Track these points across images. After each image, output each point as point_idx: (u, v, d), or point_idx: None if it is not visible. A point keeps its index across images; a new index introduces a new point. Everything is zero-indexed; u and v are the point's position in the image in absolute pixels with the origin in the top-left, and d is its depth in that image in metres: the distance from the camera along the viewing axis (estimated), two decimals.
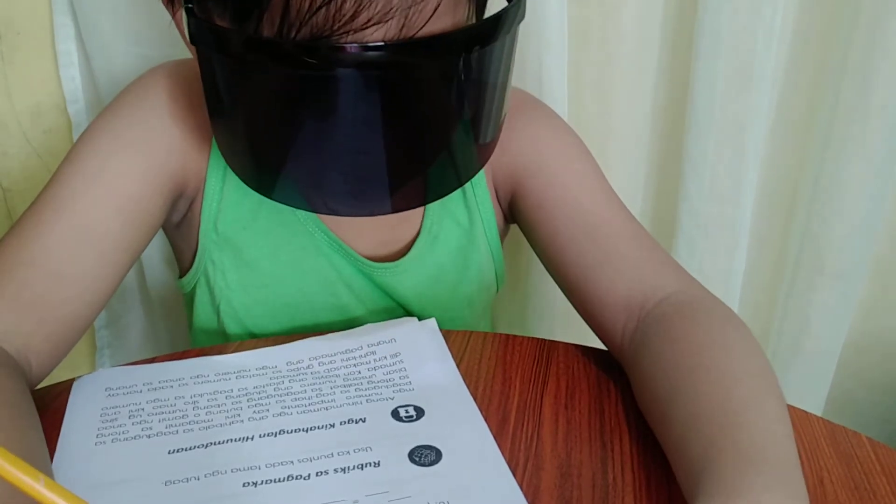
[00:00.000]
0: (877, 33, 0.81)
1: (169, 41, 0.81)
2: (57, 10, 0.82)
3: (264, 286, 0.67)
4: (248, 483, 0.47)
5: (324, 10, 0.46)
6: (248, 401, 0.54)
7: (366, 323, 0.68)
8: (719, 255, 0.94)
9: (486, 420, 0.53)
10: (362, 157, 0.51)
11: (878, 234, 0.94)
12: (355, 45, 0.46)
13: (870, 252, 0.95)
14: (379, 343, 0.60)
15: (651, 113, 0.92)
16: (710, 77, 0.84)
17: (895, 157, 0.88)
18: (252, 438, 0.51)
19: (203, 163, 0.63)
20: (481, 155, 0.58)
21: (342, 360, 0.59)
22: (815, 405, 1.02)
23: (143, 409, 0.54)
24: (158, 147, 0.60)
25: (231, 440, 0.51)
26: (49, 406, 0.54)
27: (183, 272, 0.70)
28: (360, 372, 0.57)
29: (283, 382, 0.56)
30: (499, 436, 0.52)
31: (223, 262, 0.66)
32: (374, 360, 0.58)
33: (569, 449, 0.52)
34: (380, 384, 0.56)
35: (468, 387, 0.56)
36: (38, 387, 0.55)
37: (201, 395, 0.55)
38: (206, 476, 0.48)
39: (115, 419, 0.53)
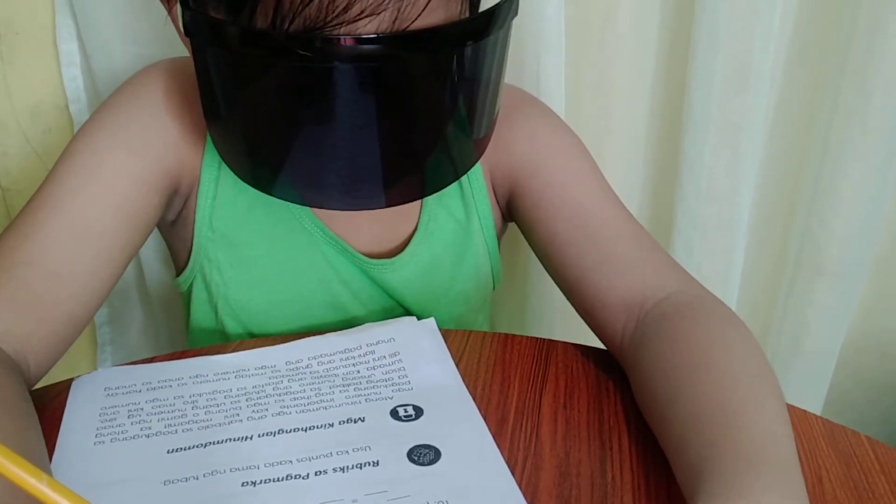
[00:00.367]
0: (876, 34, 0.81)
1: (168, 41, 0.81)
2: (58, 10, 0.82)
3: (260, 283, 0.67)
4: (247, 482, 0.47)
5: (317, 1, 0.46)
6: (246, 400, 0.54)
7: (363, 319, 0.68)
8: (717, 256, 0.94)
9: (484, 419, 0.53)
10: (355, 151, 0.51)
11: (877, 235, 0.94)
12: (347, 36, 0.46)
13: (869, 252, 0.95)
14: (378, 342, 0.60)
15: (649, 113, 0.92)
16: (708, 77, 0.84)
17: (894, 157, 0.88)
18: (251, 438, 0.51)
19: (197, 160, 0.63)
20: (475, 150, 0.58)
21: (341, 359, 0.59)
22: (814, 405, 1.02)
23: (142, 409, 0.54)
24: (153, 144, 0.60)
25: (230, 440, 0.51)
26: (48, 406, 0.54)
27: (179, 270, 0.70)
28: (358, 371, 0.57)
29: (281, 382, 0.56)
30: (498, 435, 0.52)
31: (219, 259, 0.66)
32: (373, 360, 0.58)
33: (567, 448, 0.52)
34: (379, 383, 0.56)
35: (467, 386, 0.56)
36: (37, 386, 0.55)
37: (200, 395, 0.55)
38: (204, 476, 0.48)
39: (114, 419, 0.53)
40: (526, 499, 0.47)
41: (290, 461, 0.49)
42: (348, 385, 0.56)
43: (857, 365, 1.05)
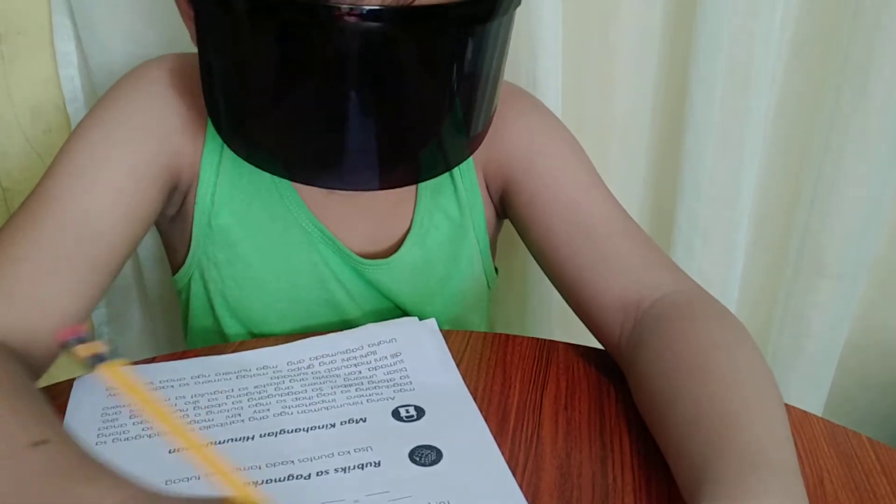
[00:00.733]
0: (876, 34, 0.81)
1: (167, 41, 0.81)
2: (56, 9, 0.82)
3: (257, 281, 0.67)
4: (249, 483, 0.47)
5: None
6: (248, 400, 0.55)
7: (358, 319, 0.68)
8: (718, 256, 0.94)
9: (486, 420, 0.53)
10: (349, 125, 0.51)
11: (877, 235, 0.94)
12: (351, 6, 0.45)
13: (869, 253, 0.95)
14: (379, 343, 0.60)
15: (650, 113, 0.92)
16: (708, 78, 0.84)
17: (895, 157, 0.88)
18: (252, 438, 0.51)
19: (197, 156, 0.63)
20: (470, 140, 0.57)
21: (343, 359, 0.59)
22: (815, 405, 1.02)
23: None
24: (151, 138, 0.60)
25: (232, 440, 0.51)
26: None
27: (176, 268, 0.70)
28: (360, 372, 0.58)
29: (283, 382, 0.56)
30: (499, 436, 0.52)
31: (216, 255, 0.66)
32: (375, 360, 0.59)
33: (569, 449, 0.52)
34: (380, 384, 0.56)
35: (468, 387, 0.57)
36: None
37: (202, 395, 0.55)
38: (206, 475, 0.47)
39: (116, 419, 0.53)
40: (527, 499, 0.47)
41: (292, 461, 0.49)
42: (350, 385, 0.56)
43: (857, 365, 1.05)
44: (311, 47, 0.48)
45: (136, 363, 0.59)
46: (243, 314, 0.68)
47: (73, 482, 0.39)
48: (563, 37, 0.86)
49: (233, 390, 0.56)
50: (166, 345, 1.01)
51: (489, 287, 0.76)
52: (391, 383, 0.56)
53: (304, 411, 0.53)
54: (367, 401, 0.54)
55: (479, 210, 0.70)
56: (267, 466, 0.48)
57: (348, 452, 0.50)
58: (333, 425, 0.52)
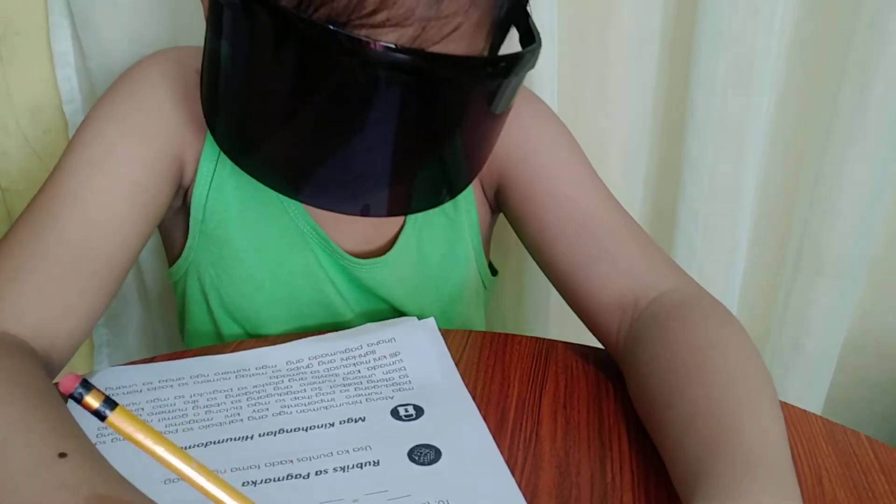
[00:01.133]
0: (876, 33, 0.81)
1: (167, 41, 0.81)
2: (53, 9, 0.82)
3: (251, 279, 0.66)
4: (248, 482, 0.47)
5: None
6: (247, 400, 0.55)
7: (352, 320, 0.68)
8: (719, 255, 0.94)
9: (484, 419, 0.53)
10: (342, 151, 0.51)
11: (877, 234, 0.94)
12: (370, 40, 0.45)
13: (869, 252, 0.95)
14: (378, 342, 0.60)
15: (651, 113, 0.93)
16: (709, 76, 0.84)
17: (894, 157, 0.88)
18: (251, 437, 0.51)
19: (197, 152, 0.63)
20: (458, 180, 0.57)
21: (342, 359, 0.59)
22: (814, 404, 1.02)
23: (142, 409, 0.54)
24: (160, 131, 0.60)
25: (230, 439, 0.51)
26: None
27: (172, 260, 0.69)
28: (359, 371, 0.58)
29: (282, 381, 0.57)
30: (497, 435, 0.52)
31: (211, 252, 0.66)
32: (374, 360, 0.59)
33: (567, 448, 0.52)
34: (379, 383, 0.56)
35: (467, 386, 0.57)
36: None
37: (201, 395, 0.55)
38: None
39: None
40: (526, 498, 0.47)
41: (291, 461, 0.49)
42: (349, 385, 0.56)
43: (856, 364, 1.05)
44: (317, 70, 0.47)
45: (136, 363, 0.59)
46: (238, 312, 0.68)
47: (85, 500, 0.39)
48: (562, 37, 0.86)
49: (232, 390, 0.56)
50: (165, 346, 1.01)
51: (485, 286, 0.76)
52: (390, 382, 0.56)
53: (303, 411, 0.53)
54: (366, 400, 0.54)
55: (472, 206, 0.69)
56: (266, 466, 0.48)
57: (347, 452, 0.50)
58: (332, 425, 0.52)
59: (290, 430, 0.52)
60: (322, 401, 0.54)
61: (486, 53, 0.53)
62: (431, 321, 0.64)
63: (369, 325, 0.63)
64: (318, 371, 0.58)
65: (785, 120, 0.91)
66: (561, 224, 0.63)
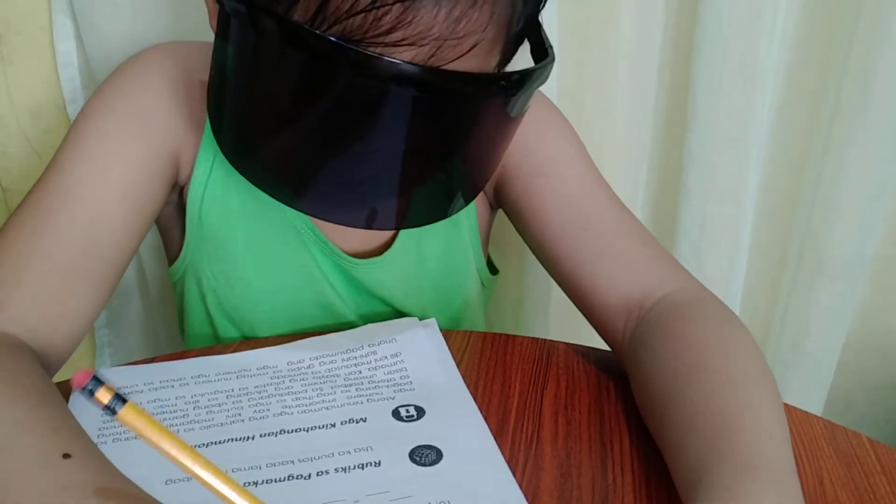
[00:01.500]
0: (878, 33, 0.81)
1: (169, 40, 0.81)
2: (56, 9, 0.82)
3: (247, 279, 0.66)
4: (249, 482, 0.47)
5: (362, 15, 0.45)
6: (248, 400, 0.55)
7: (350, 320, 0.67)
8: (721, 255, 0.94)
9: (486, 420, 0.53)
10: (355, 166, 0.50)
11: (878, 235, 0.94)
12: (385, 58, 0.44)
13: (870, 252, 0.95)
14: (380, 343, 0.60)
15: (652, 113, 0.93)
16: (711, 76, 0.84)
17: (895, 157, 0.88)
18: (253, 438, 0.51)
19: (194, 149, 0.62)
20: (467, 193, 0.57)
21: (343, 359, 0.59)
22: (814, 405, 1.02)
23: (143, 410, 0.53)
24: (157, 129, 0.60)
25: (232, 439, 0.51)
26: None
27: (172, 260, 0.69)
28: (360, 372, 0.58)
29: (283, 382, 0.56)
30: (499, 435, 0.52)
31: (208, 251, 0.65)
32: (375, 360, 0.59)
33: (569, 449, 0.52)
34: (380, 384, 0.56)
35: (468, 387, 0.57)
36: None
37: (202, 395, 0.55)
38: None
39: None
40: (527, 499, 0.47)
41: (292, 461, 0.49)
42: (350, 385, 0.56)
43: (857, 365, 1.05)
44: (328, 85, 0.47)
45: (137, 363, 0.59)
46: (235, 313, 0.68)
47: (88, 501, 0.38)
48: (562, 37, 0.86)
49: (233, 390, 0.56)
50: (167, 347, 1.01)
51: (483, 285, 0.75)
52: (391, 383, 0.56)
53: (304, 411, 0.53)
54: (368, 401, 0.54)
55: (471, 204, 0.68)
56: (267, 466, 0.48)
57: (348, 452, 0.50)
58: (333, 425, 0.52)
59: (292, 431, 0.52)
60: (323, 401, 0.54)
61: (498, 67, 0.52)
62: (433, 322, 0.64)
63: (370, 325, 0.63)
64: (320, 371, 0.58)
65: (786, 120, 0.91)
66: (564, 221, 0.62)
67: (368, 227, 0.55)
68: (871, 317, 1.03)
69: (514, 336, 0.64)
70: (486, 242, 0.74)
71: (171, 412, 0.53)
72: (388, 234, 0.67)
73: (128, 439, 0.51)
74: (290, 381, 0.57)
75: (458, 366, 0.59)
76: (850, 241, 0.92)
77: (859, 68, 0.83)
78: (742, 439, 0.44)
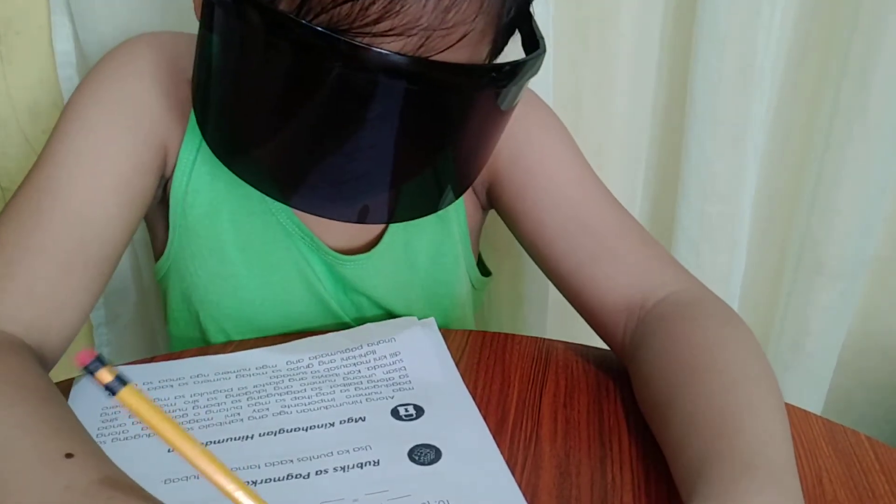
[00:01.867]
0: (877, 33, 0.81)
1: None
2: (55, 9, 0.82)
3: (231, 276, 0.65)
4: (248, 482, 0.47)
5: (349, 4, 0.44)
6: (247, 399, 0.55)
7: (339, 318, 0.67)
8: (719, 255, 0.94)
9: (485, 419, 0.53)
10: (342, 158, 0.50)
11: (877, 234, 0.94)
12: (373, 48, 0.44)
13: (869, 252, 0.95)
14: (378, 342, 0.60)
15: (651, 112, 0.93)
16: (709, 76, 0.84)
17: (895, 157, 0.88)
18: (251, 437, 0.51)
19: (179, 140, 0.62)
20: (457, 186, 0.56)
21: (342, 359, 0.59)
22: (814, 404, 1.02)
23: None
24: (144, 119, 0.59)
25: (230, 439, 0.51)
26: None
27: (158, 255, 0.68)
28: (359, 371, 0.58)
29: (282, 381, 0.56)
30: (498, 435, 0.52)
31: (191, 247, 0.64)
32: (374, 359, 0.59)
33: (568, 448, 0.52)
34: (379, 383, 0.56)
35: (467, 386, 0.57)
36: None
37: (201, 394, 0.55)
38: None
39: (115, 419, 0.53)
40: (526, 498, 0.47)
41: (291, 460, 0.49)
42: (349, 384, 0.56)
43: (857, 365, 1.05)
44: (315, 76, 0.46)
45: (135, 363, 0.59)
46: (219, 312, 0.66)
47: (92, 500, 0.38)
48: (561, 37, 0.86)
49: (232, 389, 0.56)
50: (165, 344, 1.01)
51: (473, 286, 0.75)
52: (390, 382, 0.56)
53: (303, 410, 0.53)
54: (367, 400, 0.54)
55: (460, 203, 0.68)
56: (266, 466, 0.48)
57: (347, 451, 0.50)
58: (332, 424, 0.52)
59: (291, 430, 0.52)
60: (322, 400, 0.54)
61: (488, 59, 0.52)
62: (432, 321, 0.64)
63: (369, 325, 0.63)
64: (319, 371, 0.58)
65: (785, 120, 0.92)
66: (560, 223, 0.62)
67: (357, 221, 0.54)
68: (871, 316, 1.03)
69: (513, 335, 0.64)
70: (476, 243, 0.74)
71: (170, 412, 0.53)
72: (375, 231, 0.67)
73: (126, 439, 0.51)
74: (289, 380, 0.57)
75: (457, 365, 0.59)
76: (850, 241, 0.92)
77: (858, 68, 0.83)
78: (743, 439, 0.44)
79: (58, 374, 0.56)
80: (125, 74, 0.60)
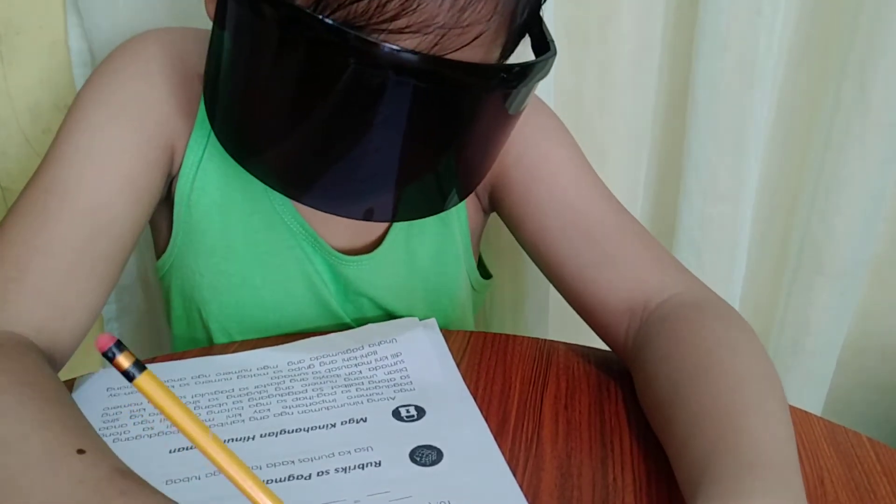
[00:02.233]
0: (877, 32, 0.81)
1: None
2: (71, 9, 0.82)
3: (234, 274, 0.65)
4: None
5: (366, 1, 0.44)
6: (249, 400, 0.55)
7: (340, 319, 0.67)
8: (720, 255, 0.94)
9: (486, 420, 0.53)
10: (353, 154, 0.50)
11: (877, 234, 0.94)
12: (389, 45, 0.44)
13: (870, 252, 0.95)
14: (380, 343, 0.60)
15: (652, 112, 0.93)
16: (710, 76, 0.84)
17: (895, 156, 0.88)
18: (253, 438, 0.51)
19: (186, 139, 0.62)
20: (464, 185, 0.56)
21: (343, 359, 0.59)
22: (814, 404, 1.02)
23: (144, 409, 0.54)
24: (151, 116, 0.59)
25: (232, 440, 0.51)
26: None
27: (160, 253, 0.68)
28: (361, 372, 0.58)
29: (284, 382, 0.56)
30: (499, 436, 0.52)
31: (194, 244, 0.64)
32: (375, 360, 0.59)
33: (569, 449, 0.52)
34: (381, 384, 0.56)
35: (468, 387, 0.57)
36: None
37: (202, 395, 0.55)
38: (206, 475, 0.48)
39: (117, 419, 0.53)
40: (527, 500, 0.47)
41: (292, 461, 0.49)
42: (350, 385, 0.56)
43: (857, 365, 1.05)
44: (329, 72, 0.46)
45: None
46: (221, 311, 0.66)
47: (104, 495, 0.39)
48: (562, 37, 0.86)
49: (233, 390, 0.56)
50: (169, 344, 1.01)
51: (474, 288, 0.75)
52: (392, 383, 0.56)
53: (304, 411, 0.53)
54: (368, 401, 0.54)
55: (461, 204, 0.67)
56: (267, 466, 0.48)
57: (349, 452, 0.50)
58: (334, 425, 0.52)
59: (292, 431, 0.51)
60: (323, 401, 0.54)
61: (499, 60, 0.52)
62: (433, 322, 0.64)
63: (371, 325, 0.63)
64: (320, 372, 0.58)
65: (786, 120, 0.92)
66: (562, 228, 0.62)
67: (363, 218, 0.54)
68: (871, 316, 1.03)
69: (515, 336, 0.64)
70: (477, 246, 0.74)
71: None
72: (377, 232, 0.67)
73: (127, 439, 0.51)
74: (290, 381, 0.57)
75: (458, 366, 0.59)
76: (850, 241, 0.92)
77: (859, 67, 0.83)
78: (746, 439, 0.44)
79: (60, 373, 0.56)
80: (131, 72, 0.60)
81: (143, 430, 0.52)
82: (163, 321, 0.99)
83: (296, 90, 0.49)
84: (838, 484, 0.50)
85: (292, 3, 0.45)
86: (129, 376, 0.32)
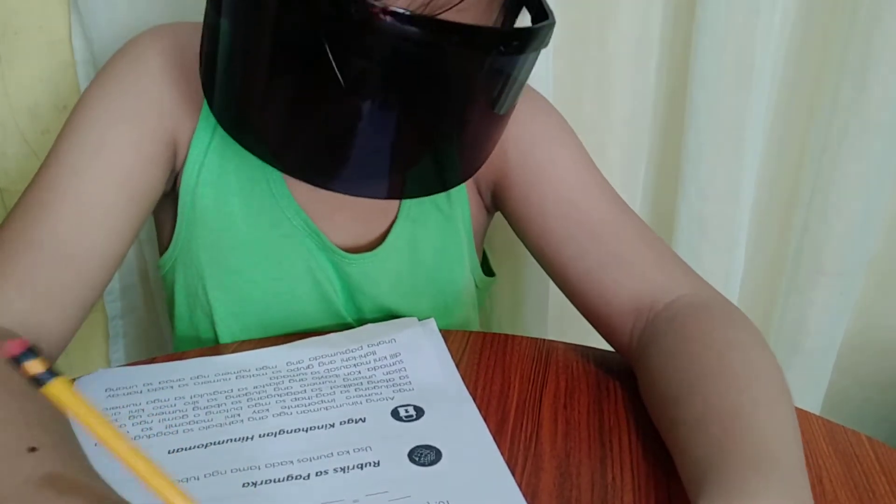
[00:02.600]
0: (875, 31, 0.81)
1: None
2: (73, 8, 0.82)
3: (238, 270, 0.65)
4: (248, 483, 0.47)
5: None
6: (247, 401, 0.54)
7: (343, 317, 0.67)
8: (718, 254, 0.94)
9: (485, 420, 0.53)
10: (348, 123, 0.49)
11: (876, 233, 0.95)
12: (378, 5, 0.44)
13: (868, 251, 0.95)
14: (379, 343, 0.60)
15: (650, 112, 0.93)
16: (708, 75, 0.84)
17: (893, 155, 0.88)
18: (252, 438, 0.51)
19: (190, 133, 0.62)
20: (466, 164, 0.56)
21: (342, 360, 0.59)
22: (812, 403, 1.02)
23: (143, 410, 0.54)
24: (151, 113, 0.59)
25: (231, 440, 0.51)
26: None
27: (163, 250, 0.68)
28: (360, 372, 0.58)
29: (283, 382, 0.56)
30: (498, 435, 0.52)
31: (198, 239, 0.64)
32: (374, 360, 0.59)
33: (568, 449, 0.52)
34: (380, 384, 0.56)
35: (467, 387, 0.57)
36: None
37: (201, 396, 0.55)
38: (205, 476, 0.48)
39: (116, 420, 0.53)
40: (526, 499, 0.47)
41: (291, 462, 0.49)
42: (349, 385, 0.56)
43: (855, 364, 1.05)
44: (325, 36, 0.46)
45: (136, 364, 0.59)
46: (224, 307, 0.66)
47: (45, 494, 0.38)
48: (561, 37, 0.86)
49: (232, 391, 0.56)
50: (171, 343, 1.01)
51: (476, 286, 0.75)
52: (390, 383, 0.56)
53: (303, 411, 0.53)
54: (367, 401, 0.54)
55: (465, 203, 0.68)
56: (266, 467, 0.48)
57: (348, 452, 0.50)
58: (333, 425, 0.52)
59: (291, 431, 0.51)
60: (322, 401, 0.54)
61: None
62: (432, 322, 0.64)
63: (370, 325, 0.63)
64: (319, 372, 0.58)
65: (784, 119, 0.92)
66: (567, 229, 0.62)
67: (365, 195, 0.54)
68: (869, 315, 1.03)
69: (514, 336, 0.64)
70: (480, 244, 0.74)
71: (170, 413, 0.53)
72: (380, 229, 0.67)
73: None
74: (289, 381, 0.57)
75: (457, 366, 0.59)
76: (849, 240, 0.92)
77: (857, 67, 0.83)
78: (750, 438, 0.44)
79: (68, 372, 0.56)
80: (133, 70, 0.60)
81: (143, 430, 0.52)
82: (165, 321, 0.99)
83: (285, 58, 0.48)
84: (837, 483, 0.51)
85: None
86: (39, 382, 0.32)
